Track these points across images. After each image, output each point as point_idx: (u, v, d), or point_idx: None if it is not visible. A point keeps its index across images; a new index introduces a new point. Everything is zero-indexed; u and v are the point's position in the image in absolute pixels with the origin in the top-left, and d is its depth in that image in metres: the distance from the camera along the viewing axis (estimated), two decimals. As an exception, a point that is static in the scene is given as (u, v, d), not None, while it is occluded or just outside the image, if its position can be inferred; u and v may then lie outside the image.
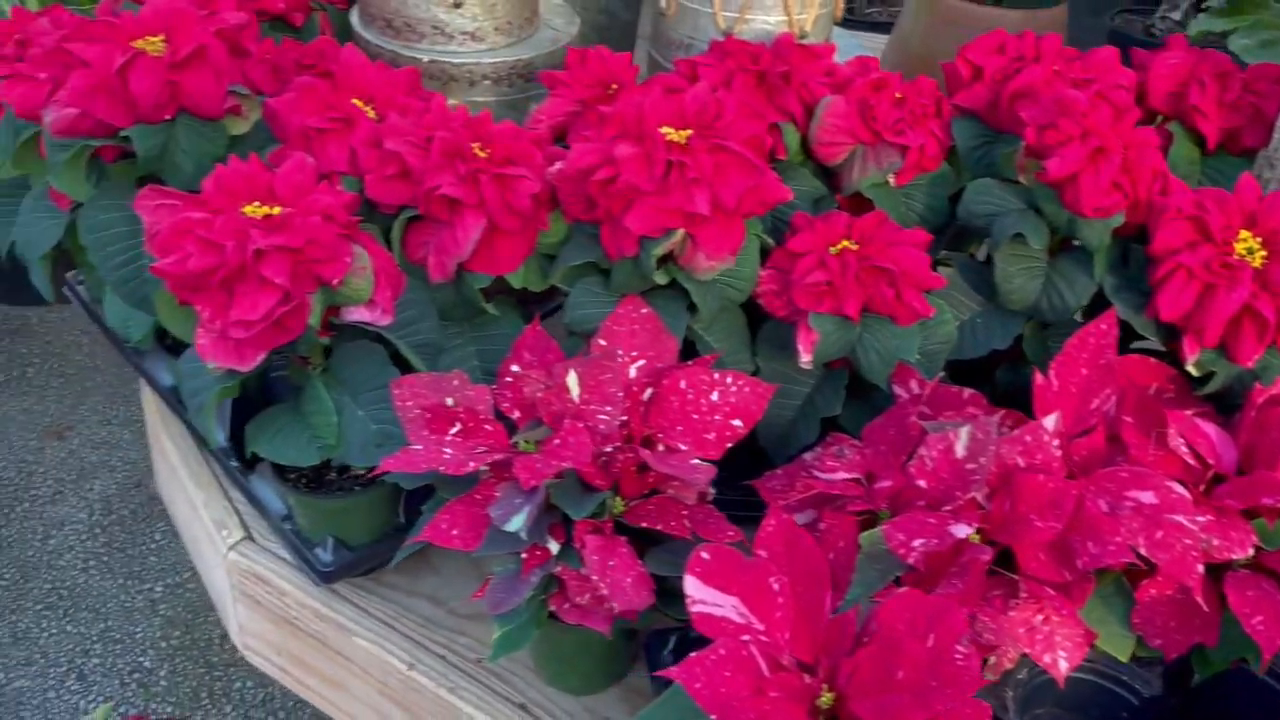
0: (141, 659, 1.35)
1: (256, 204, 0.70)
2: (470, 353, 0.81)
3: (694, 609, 0.58)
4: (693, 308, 0.78)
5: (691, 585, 0.59)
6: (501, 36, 0.99)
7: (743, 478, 0.75)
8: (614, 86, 0.85)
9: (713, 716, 0.55)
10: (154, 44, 0.77)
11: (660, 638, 0.77)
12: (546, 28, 1.04)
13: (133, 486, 1.57)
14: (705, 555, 0.60)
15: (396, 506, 0.85)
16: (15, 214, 0.97)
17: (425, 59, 0.97)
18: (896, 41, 1.36)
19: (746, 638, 0.58)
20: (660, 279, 0.74)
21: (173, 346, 0.93)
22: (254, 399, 0.82)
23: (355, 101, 0.81)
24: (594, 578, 0.64)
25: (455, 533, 0.69)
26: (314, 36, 1.05)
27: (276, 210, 0.70)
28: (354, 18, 1.04)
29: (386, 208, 0.78)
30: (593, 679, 0.79)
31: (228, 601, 0.92)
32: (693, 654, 0.57)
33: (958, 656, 0.55)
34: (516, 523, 0.64)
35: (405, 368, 0.77)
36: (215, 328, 0.69)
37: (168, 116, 0.78)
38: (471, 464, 0.68)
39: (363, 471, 0.83)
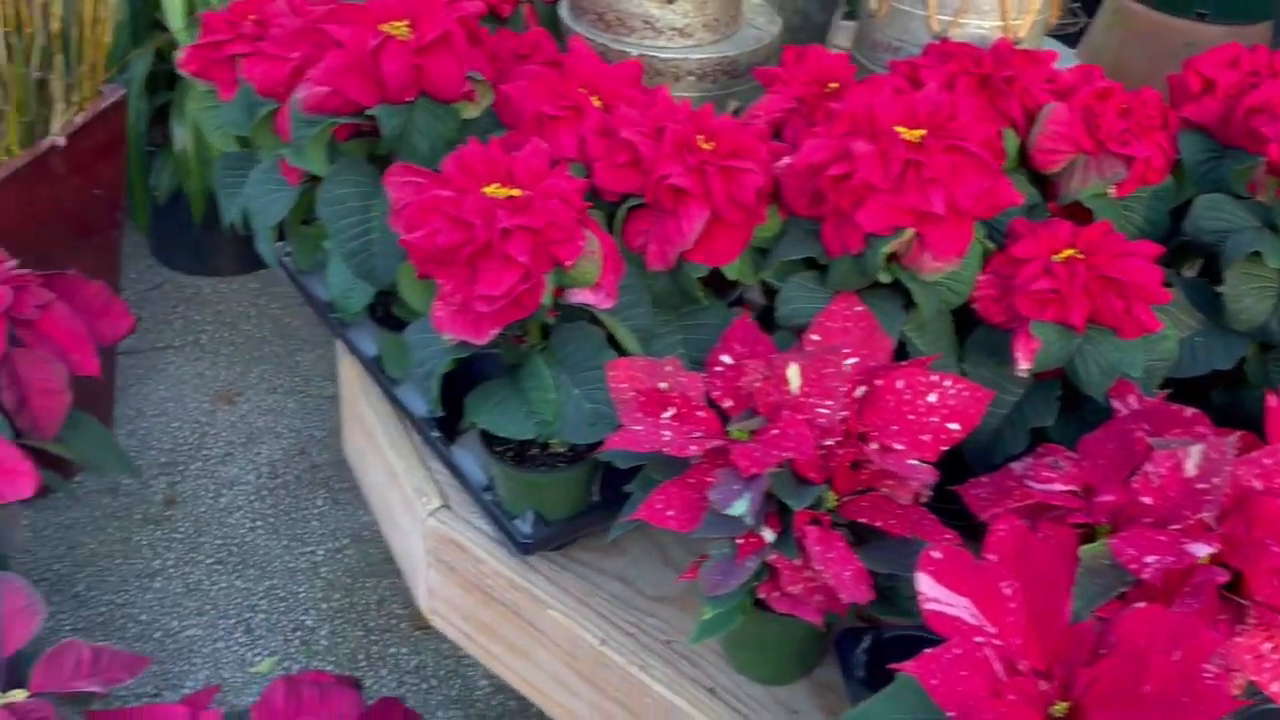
0: (304, 618, 1.41)
1: (496, 185, 0.73)
2: (677, 340, 0.83)
3: (927, 606, 0.59)
4: (906, 309, 0.78)
5: (924, 583, 0.59)
6: (708, 33, 1.00)
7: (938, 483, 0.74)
8: (832, 85, 0.85)
9: (950, 714, 0.55)
10: (399, 29, 0.81)
11: (853, 636, 0.77)
12: (749, 26, 1.06)
13: (297, 453, 1.64)
14: (937, 554, 0.60)
15: (592, 485, 0.87)
16: (239, 186, 1.03)
17: (634, 53, 0.99)
18: (1086, 52, 1.33)
19: (980, 639, 0.58)
20: (883, 278, 0.74)
21: (383, 319, 0.97)
22: (457, 374, 0.86)
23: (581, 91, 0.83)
24: (818, 568, 0.65)
25: (670, 513, 0.70)
26: (520, 27, 1.09)
27: (516, 192, 0.73)
28: (563, 10, 1.07)
29: (610, 195, 0.80)
30: (783, 670, 0.79)
31: (420, 566, 0.96)
32: (927, 651, 0.58)
33: (1207, 675, 0.54)
34: (739, 508, 0.66)
35: (617, 351, 0.79)
36: (455, 301, 0.72)
37: (409, 98, 0.81)
38: (693, 448, 0.70)
39: (563, 449, 0.86)
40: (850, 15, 1.25)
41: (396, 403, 0.98)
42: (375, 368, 1.00)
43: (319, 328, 1.91)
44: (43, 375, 1.11)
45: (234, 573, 1.46)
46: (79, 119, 1.35)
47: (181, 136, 1.71)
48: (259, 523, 1.53)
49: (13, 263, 1.14)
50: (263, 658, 1.35)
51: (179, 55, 1.03)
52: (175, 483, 1.57)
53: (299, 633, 1.39)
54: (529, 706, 1.34)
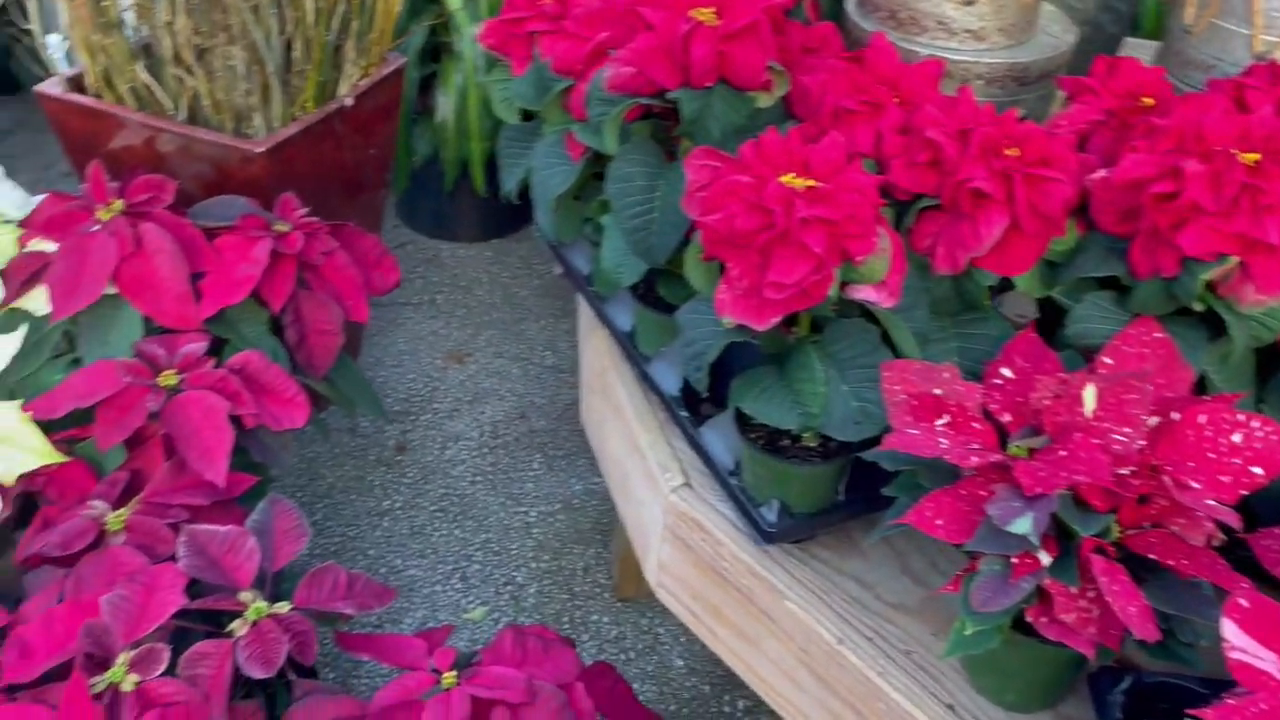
0: (515, 574, 1.47)
1: (791, 175, 0.74)
2: (952, 348, 0.81)
3: (1231, 655, 0.56)
4: (1209, 340, 0.73)
5: (1229, 630, 0.56)
6: (1002, 37, 0.98)
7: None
8: (1146, 100, 0.81)
9: (1254, 772, 0.52)
10: (706, 15, 0.83)
11: (1111, 676, 0.74)
12: (1043, 34, 1.02)
13: (517, 417, 1.71)
14: (1244, 603, 0.57)
15: (839, 483, 0.87)
16: (519, 157, 1.08)
17: (923, 53, 0.98)
18: None
19: (1289, 699, 0.54)
20: (1196, 305, 0.71)
21: (643, 296, 0.99)
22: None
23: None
24: (1106, 600, 0.62)
25: (939, 522, 0.69)
26: (801, 19, 1.09)
27: (813, 183, 0.73)
28: (850, 5, 1.06)
29: (902, 193, 0.79)
30: (1028, 698, 0.77)
31: (652, 539, 0.98)
32: (1229, 699, 0.55)
33: None
34: (1023, 526, 0.64)
35: (890, 351, 0.78)
36: (741, 285, 0.73)
37: (708, 84, 0.83)
38: (973, 459, 0.68)
39: (814, 443, 0.86)
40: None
41: (646, 378, 1.01)
42: (628, 342, 1.03)
43: (545, 299, 1.99)
44: (322, 317, 1.21)
45: (454, 522, 1.54)
46: (364, 83, 1.44)
47: (444, 107, 1.81)
48: (479, 478, 1.61)
49: (304, 210, 1.24)
50: (475, 606, 1.42)
51: (478, 30, 1.09)
52: (406, 431, 1.67)
53: (509, 587, 1.45)
54: (722, 693, 1.35)
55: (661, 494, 0.94)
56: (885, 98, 0.81)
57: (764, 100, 0.85)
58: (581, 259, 1.11)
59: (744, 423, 0.86)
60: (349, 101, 1.40)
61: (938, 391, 0.74)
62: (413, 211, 2.09)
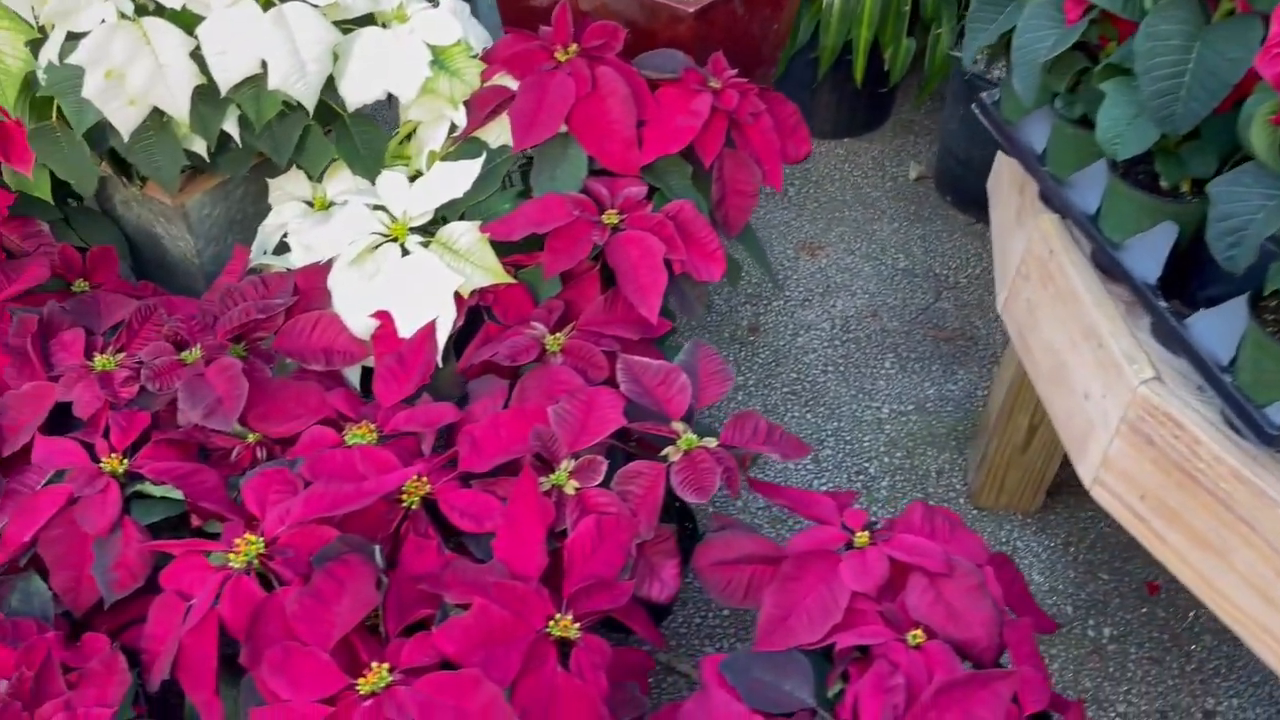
0: (866, 465, 1.46)
1: None
2: None
3: None
4: None
5: None
6: None
7: None
8: None
9: None
10: None
11: None
12: None
13: (869, 315, 1.68)
14: None
15: (1359, 395, 0.79)
16: (989, 23, 1.03)
17: None
18: None
19: None
20: None
21: (1124, 175, 0.93)
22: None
23: None
24: None
25: None
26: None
27: None
28: None
29: None
30: None
31: (1100, 433, 0.93)
32: None
33: None
34: None
35: None
36: (1334, 149, 0.67)
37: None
38: None
39: (1337, 347, 0.78)
40: None
41: (1113, 264, 0.95)
42: (1090, 226, 0.97)
43: (899, 202, 1.93)
44: (742, 178, 1.22)
45: (805, 407, 1.54)
46: (781, -45, 1.43)
47: (834, -8, 1.77)
48: (830, 368, 1.60)
49: (732, 72, 1.25)
50: (827, 488, 1.43)
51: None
52: (759, 314, 1.69)
53: (861, 477, 1.45)
54: (1086, 617, 1.29)
55: (1127, 386, 0.89)
56: None
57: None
58: (1037, 135, 1.05)
59: (1259, 310, 0.79)
60: (768, -29, 1.39)
61: None
62: (769, 102, 2.07)
